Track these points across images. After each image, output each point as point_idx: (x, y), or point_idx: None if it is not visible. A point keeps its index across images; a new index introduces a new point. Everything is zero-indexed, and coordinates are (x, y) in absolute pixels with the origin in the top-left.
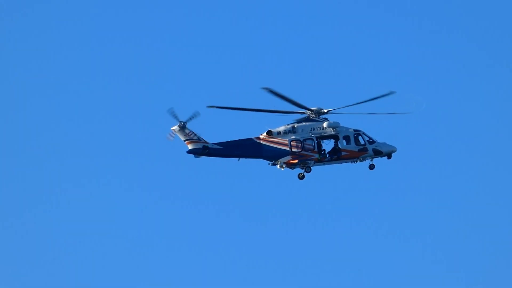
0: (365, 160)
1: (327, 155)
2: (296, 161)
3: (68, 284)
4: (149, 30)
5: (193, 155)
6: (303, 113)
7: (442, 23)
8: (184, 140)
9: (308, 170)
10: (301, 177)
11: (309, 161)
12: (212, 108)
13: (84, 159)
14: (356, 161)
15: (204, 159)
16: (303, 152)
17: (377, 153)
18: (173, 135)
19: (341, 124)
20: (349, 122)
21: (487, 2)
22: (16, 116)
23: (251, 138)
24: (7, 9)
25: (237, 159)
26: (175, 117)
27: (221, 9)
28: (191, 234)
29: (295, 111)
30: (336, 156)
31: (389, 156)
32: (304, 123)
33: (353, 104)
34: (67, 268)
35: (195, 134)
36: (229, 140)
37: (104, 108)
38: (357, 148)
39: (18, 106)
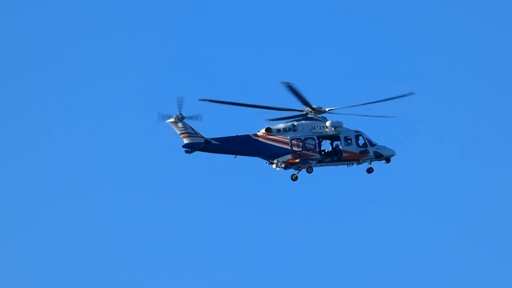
0: (362, 163)
1: (327, 156)
2: (297, 160)
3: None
4: (146, 24)
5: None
6: (301, 110)
7: (443, 24)
8: (180, 134)
9: (310, 170)
10: (294, 178)
11: (311, 161)
12: (204, 102)
13: (80, 157)
14: (353, 164)
15: (197, 155)
16: (304, 151)
17: (378, 156)
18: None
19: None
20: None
21: (488, 2)
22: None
23: (248, 135)
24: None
25: (234, 156)
26: (179, 107)
27: (222, 7)
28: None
29: (292, 108)
30: (337, 157)
31: (388, 159)
32: (304, 121)
33: (362, 104)
34: (65, 268)
35: (192, 128)
36: (227, 136)
37: (99, 104)
38: (358, 150)
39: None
